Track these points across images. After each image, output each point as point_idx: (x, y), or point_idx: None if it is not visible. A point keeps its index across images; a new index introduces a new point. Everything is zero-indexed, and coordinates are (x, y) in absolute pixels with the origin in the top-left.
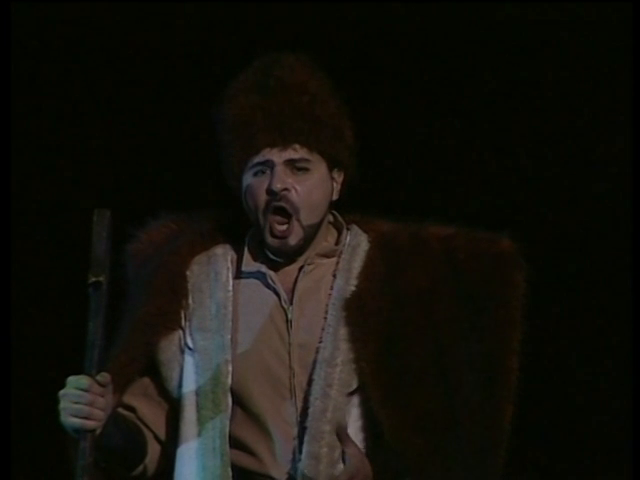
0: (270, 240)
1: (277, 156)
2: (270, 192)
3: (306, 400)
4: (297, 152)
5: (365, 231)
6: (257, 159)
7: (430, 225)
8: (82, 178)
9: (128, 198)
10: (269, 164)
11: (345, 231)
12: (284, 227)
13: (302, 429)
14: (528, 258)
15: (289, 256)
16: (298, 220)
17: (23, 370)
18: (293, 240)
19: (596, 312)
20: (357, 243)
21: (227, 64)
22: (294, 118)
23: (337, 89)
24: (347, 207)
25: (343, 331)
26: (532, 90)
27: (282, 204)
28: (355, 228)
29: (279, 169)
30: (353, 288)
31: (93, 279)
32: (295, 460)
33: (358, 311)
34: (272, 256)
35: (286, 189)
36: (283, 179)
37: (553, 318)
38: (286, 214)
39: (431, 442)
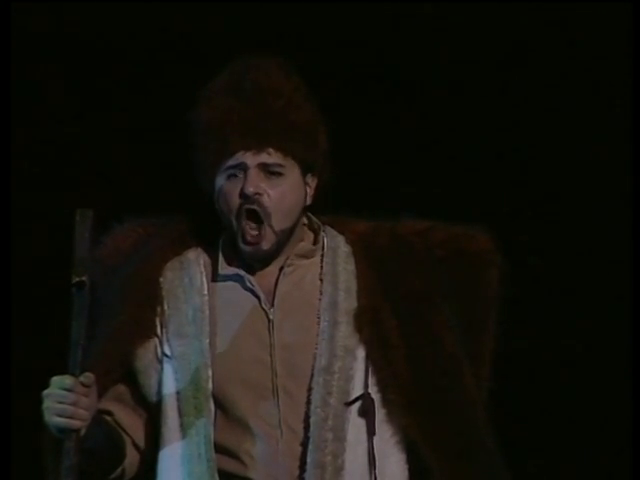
0: (243, 247)
1: (251, 159)
2: (243, 195)
3: (294, 404)
4: (271, 156)
5: (340, 232)
6: (231, 162)
7: (405, 221)
8: (64, 180)
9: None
10: (242, 167)
11: (321, 232)
12: (256, 232)
13: (305, 437)
14: (506, 253)
15: (264, 261)
16: (270, 226)
17: (7, 371)
18: (266, 245)
19: (590, 309)
20: (336, 245)
21: (201, 68)
22: (269, 122)
23: (311, 93)
24: (317, 208)
25: (340, 339)
26: (524, 87)
27: (254, 207)
28: (330, 230)
29: (252, 172)
30: (343, 294)
31: (76, 279)
32: (277, 462)
33: (362, 319)
34: (248, 260)
35: (259, 193)
36: (256, 183)
37: (538, 315)
38: (258, 219)
39: (455, 442)
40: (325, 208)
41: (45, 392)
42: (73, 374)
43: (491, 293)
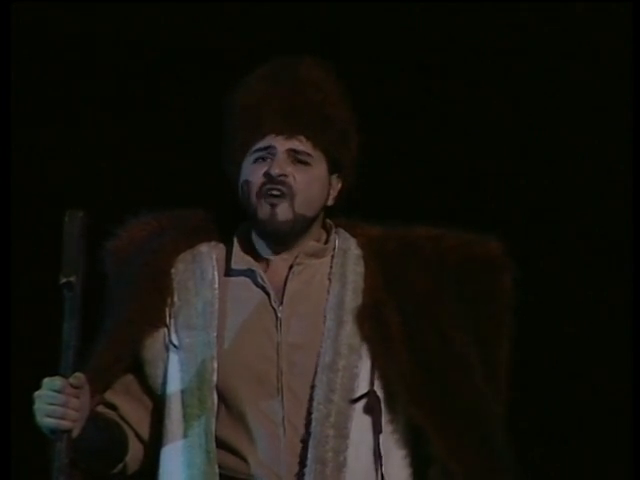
0: (260, 216)
1: (281, 144)
2: (267, 175)
3: (298, 402)
4: (302, 144)
5: (353, 235)
6: (260, 144)
7: (417, 227)
8: (66, 177)
9: (107, 196)
10: (271, 150)
11: (333, 234)
12: (276, 200)
13: (307, 434)
14: (518, 260)
15: (276, 239)
16: (292, 203)
17: (7, 372)
18: (282, 216)
19: (593, 314)
20: (347, 247)
21: (210, 66)
22: (304, 111)
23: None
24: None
25: (345, 337)
26: (530, 92)
27: (279, 187)
28: (342, 232)
29: (281, 157)
30: (351, 293)
31: (64, 280)
32: (279, 459)
33: (363, 314)
34: (261, 250)
35: (284, 175)
36: (283, 166)
37: (546, 320)
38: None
39: (462, 430)
40: (339, 212)
41: (36, 393)
42: (64, 375)
43: (504, 299)
